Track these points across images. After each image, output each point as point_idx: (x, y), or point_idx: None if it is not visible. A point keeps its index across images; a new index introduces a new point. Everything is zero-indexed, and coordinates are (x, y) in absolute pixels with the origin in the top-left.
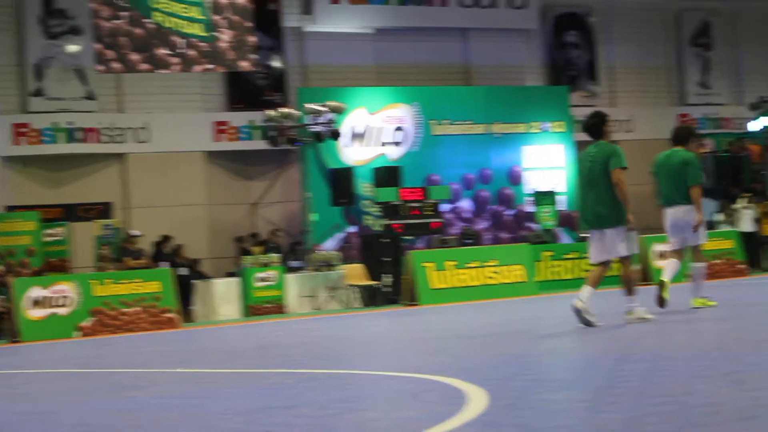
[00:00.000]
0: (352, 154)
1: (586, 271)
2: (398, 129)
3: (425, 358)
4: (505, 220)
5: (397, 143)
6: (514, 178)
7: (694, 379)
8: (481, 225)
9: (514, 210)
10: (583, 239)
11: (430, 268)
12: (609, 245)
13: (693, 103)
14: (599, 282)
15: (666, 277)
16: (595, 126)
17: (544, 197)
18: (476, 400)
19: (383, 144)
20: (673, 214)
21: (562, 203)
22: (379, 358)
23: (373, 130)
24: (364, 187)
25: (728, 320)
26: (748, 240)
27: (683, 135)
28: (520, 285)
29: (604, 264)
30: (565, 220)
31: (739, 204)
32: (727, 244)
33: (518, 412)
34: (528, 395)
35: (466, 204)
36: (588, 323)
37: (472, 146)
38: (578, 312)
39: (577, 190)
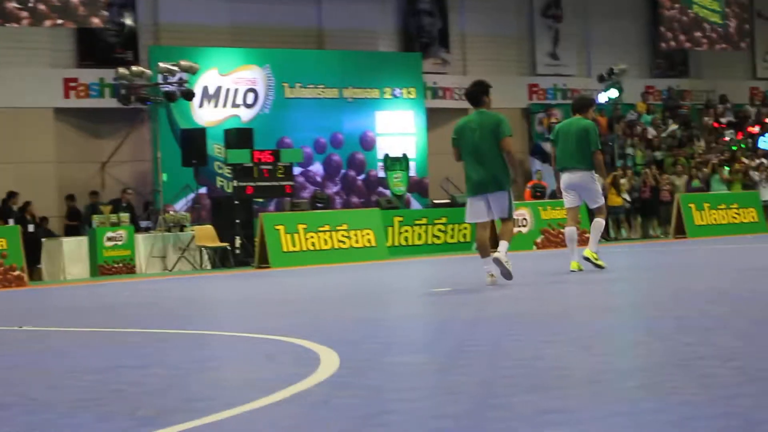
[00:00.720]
0: (204, 114)
1: (436, 237)
2: (250, 91)
3: (277, 320)
4: (357, 185)
5: (249, 105)
6: (366, 143)
7: (544, 343)
8: (333, 189)
9: (365, 175)
10: (436, 206)
11: (281, 231)
12: (495, 207)
13: (543, 73)
14: (488, 245)
15: (571, 246)
16: (477, 94)
17: (396, 163)
18: (327, 362)
19: (235, 105)
20: (570, 177)
21: (413, 169)
22: (231, 320)
23: (225, 91)
24: (215, 148)
25: (576, 287)
26: None
27: (583, 104)
28: (371, 250)
29: (488, 225)
30: (416, 186)
31: None
32: None
33: (369, 374)
34: (378, 358)
35: (317, 168)
36: (508, 274)
37: (324, 110)
38: (498, 261)
39: (427, 156)
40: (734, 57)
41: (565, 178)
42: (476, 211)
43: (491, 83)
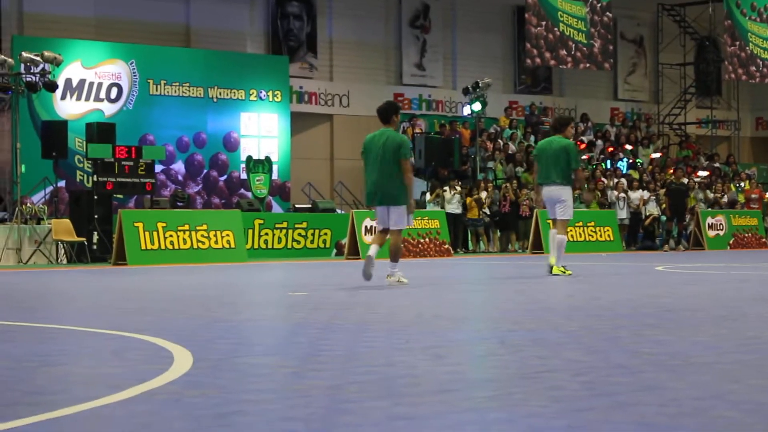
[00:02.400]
0: (66, 107)
1: (296, 241)
2: (114, 85)
3: (131, 316)
4: (218, 185)
5: (112, 100)
6: (230, 145)
7: (397, 351)
8: (194, 189)
9: (227, 176)
10: (297, 210)
11: (140, 228)
12: (391, 219)
13: (408, 83)
14: (383, 242)
15: (553, 259)
16: (387, 113)
17: (258, 165)
18: (180, 361)
19: (99, 99)
20: (548, 191)
21: (275, 172)
22: (84, 315)
23: (88, 84)
24: (76, 141)
25: (432, 297)
26: (455, 221)
27: (561, 123)
28: (230, 251)
29: (385, 231)
30: (278, 190)
31: (448, 186)
32: (434, 224)
33: (221, 374)
34: (231, 358)
35: (179, 166)
36: (368, 275)
37: (189, 109)
38: (369, 258)
39: (290, 160)
40: (597, 77)
41: (545, 191)
42: (380, 218)
43: (356, 90)
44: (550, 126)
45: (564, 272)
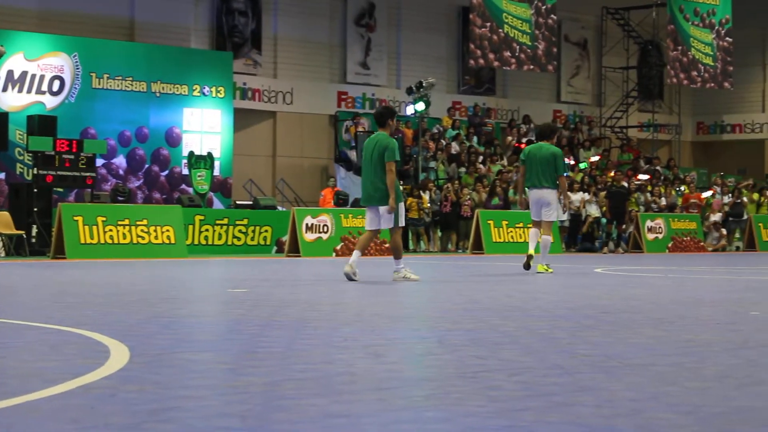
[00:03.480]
0: (7, 99)
1: (236, 237)
2: (57, 78)
3: (69, 311)
4: (160, 180)
5: (54, 92)
6: (172, 140)
7: (335, 348)
8: (135, 183)
9: (168, 171)
10: (238, 206)
11: (79, 222)
12: (380, 219)
13: (352, 82)
14: (367, 244)
15: (531, 247)
16: (383, 117)
17: (200, 161)
18: (117, 356)
19: (40, 92)
20: (537, 194)
21: (217, 168)
22: (20, 308)
23: (30, 76)
24: (17, 134)
25: (373, 295)
26: None
27: (550, 131)
28: (170, 247)
29: (374, 232)
30: (220, 186)
31: None
32: None
33: (159, 369)
34: (169, 354)
35: (120, 161)
36: (350, 278)
37: (131, 103)
38: (351, 273)
39: (232, 156)
40: (541, 79)
41: (533, 194)
42: (369, 219)
43: (299, 88)
44: (537, 133)
45: (547, 270)
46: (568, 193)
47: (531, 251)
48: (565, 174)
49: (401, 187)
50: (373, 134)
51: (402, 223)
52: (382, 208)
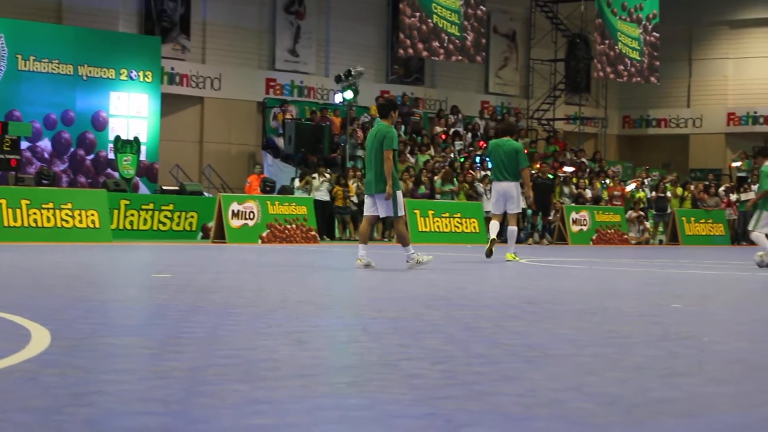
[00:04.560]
0: None
1: (162, 223)
2: None
3: None
4: (85, 164)
5: None
6: (98, 124)
7: (259, 335)
8: (60, 167)
9: (94, 155)
10: (164, 192)
11: (3, 205)
12: (380, 207)
13: (281, 69)
14: (368, 235)
15: (493, 235)
16: (385, 108)
17: (127, 145)
18: (38, 340)
19: None
20: (500, 186)
21: (143, 153)
22: None
23: None
24: None
25: (297, 282)
26: (322, 208)
27: (511, 129)
28: (95, 231)
29: (372, 218)
30: (146, 171)
31: (317, 173)
32: (302, 210)
33: (80, 353)
34: (92, 338)
35: (46, 144)
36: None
37: (57, 86)
38: (363, 265)
39: (159, 141)
40: (469, 70)
41: (497, 186)
42: (367, 206)
43: (228, 74)
44: (500, 129)
45: (515, 258)
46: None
47: (494, 236)
48: (527, 167)
49: (395, 177)
50: (374, 126)
51: (401, 212)
52: (379, 196)
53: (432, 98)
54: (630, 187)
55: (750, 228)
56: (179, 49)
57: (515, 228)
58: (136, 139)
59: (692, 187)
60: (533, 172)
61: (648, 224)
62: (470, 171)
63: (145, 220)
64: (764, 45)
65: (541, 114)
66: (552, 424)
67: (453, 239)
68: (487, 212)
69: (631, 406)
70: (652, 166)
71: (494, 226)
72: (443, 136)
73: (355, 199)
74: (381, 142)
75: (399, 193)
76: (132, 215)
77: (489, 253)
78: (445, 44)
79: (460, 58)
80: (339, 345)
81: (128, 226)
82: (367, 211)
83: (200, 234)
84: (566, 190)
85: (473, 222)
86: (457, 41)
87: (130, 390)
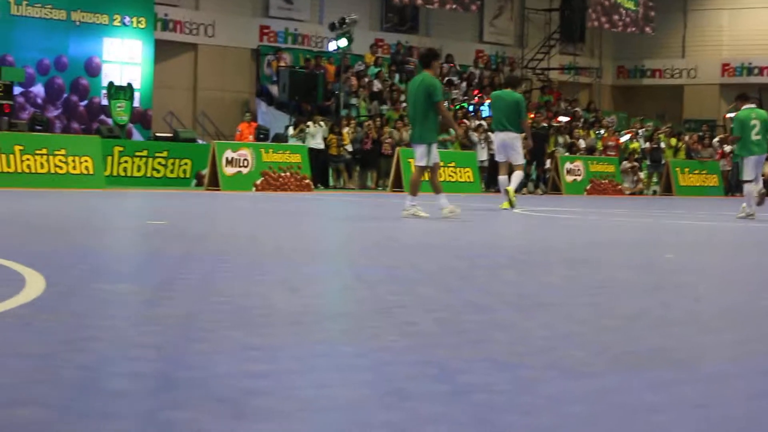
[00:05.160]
0: None
1: (156, 170)
2: None
3: None
4: (78, 110)
5: None
6: (92, 70)
7: (253, 282)
8: (53, 113)
9: (87, 101)
10: (158, 138)
11: None
12: (415, 155)
13: (275, 16)
14: (418, 184)
15: (510, 186)
16: (427, 58)
17: (120, 92)
18: (33, 285)
19: None
20: (503, 137)
21: (137, 100)
22: None
23: None
24: None
25: (294, 230)
26: (316, 157)
27: (515, 81)
28: (88, 177)
29: (421, 168)
30: (140, 117)
31: (312, 121)
32: (296, 158)
33: (74, 299)
34: (86, 284)
35: (39, 89)
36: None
37: (50, 31)
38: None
39: (153, 88)
40: (463, 18)
41: (499, 136)
42: (417, 156)
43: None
44: (505, 81)
45: (512, 199)
46: (489, 133)
47: (507, 187)
48: (527, 119)
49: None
50: (417, 75)
51: (429, 162)
52: (416, 146)
53: (426, 46)
54: (624, 138)
55: (747, 177)
56: None
57: (520, 172)
58: (130, 86)
59: (686, 138)
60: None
61: (642, 175)
62: (464, 120)
63: (139, 167)
64: None
65: (536, 64)
66: (544, 372)
67: (447, 189)
68: (482, 161)
69: (623, 354)
70: (646, 117)
71: (503, 180)
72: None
73: (349, 147)
74: (426, 94)
75: (434, 146)
76: (126, 162)
77: (512, 205)
78: None
79: (454, 6)
80: (332, 293)
81: (122, 173)
82: (420, 161)
83: (194, 181)
84: (560, 140)
85: (467, 171)
86: None
87: (124, 336)
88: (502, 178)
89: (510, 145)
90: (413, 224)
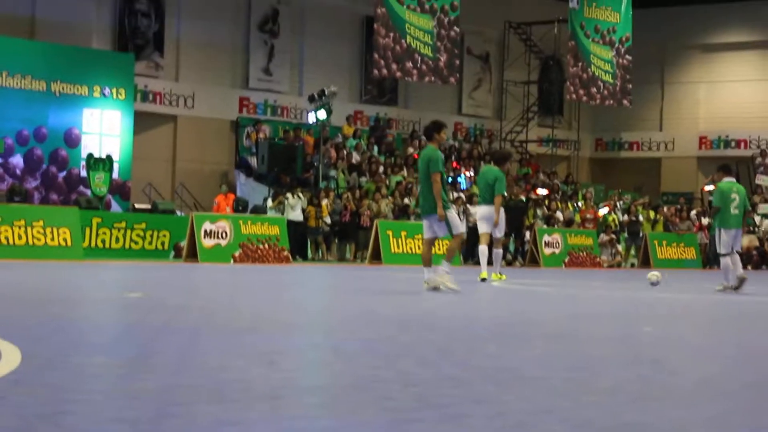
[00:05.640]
0: None
1: (134, 241)
2: None
3: None
4: (57, 181)
5: None
6: (71, 141)
7: (230, 355)
8: (32, 184)
9: (66, 172)
10: (136, 210)
11: None
12: (437, 229)
13: (255, 87)
14: (430, 257)
15: (494, 270)
16: (428, 131)
17: (99, 163)
18: (8, 358)
19: None
20: (483, 210)
21: (116, 171)
22: None
23: None
24: None
25: (269, 302)
26: (295, 229)
27: (501, 157)
28: (66, 249)
29: (430, 240)
30: (118, 189)
31: (291, 193)
32: (274, 230)
33: (51, 373)
34: (62, 357)
35: (18, 160)
36: (437, 288)
37: (30, 102)
38: (432, 288)
39: (132, 159)
40: (442, 91)
41: (481, 210)
42: (425, 229)
43: (201, 92)
44: (491, 157)
45: (500, 278)
46: (468, 205)
47: (494, 274)
48: (502, 194)
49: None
50: (425, 148)
51: (456, 230)
52: (433, 218)
53: (405, 119)
54: (602, 210)
55: (723, 251)
56: (153, 66)
57: (499, 250)
58: (109, 157)
59: (664, 211)
60: (505, 194)
61: (620, 247)
62: None
63: (117, 238)
64: (736, 69)
65: (514, 136)
66: None
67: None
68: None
69: (603, 429)
70: (623, 189)
71: (483, 251)
72: (416, 156)
73: (328, 219)
74: (428, 165)
75: (451, 212)
76: (104, 233)
77: (485, 279)
78: (419, 65)
79: (433, 79)
80: (310, 366)
81: (100, 245)
82: (426, 234)
83: (172, 253)
84: (539, 212)
85: (445, 243)
86: (431, 62)
87: (99, 410)
88: (482, 247)
89: (488, 217)
90: (391, 297)
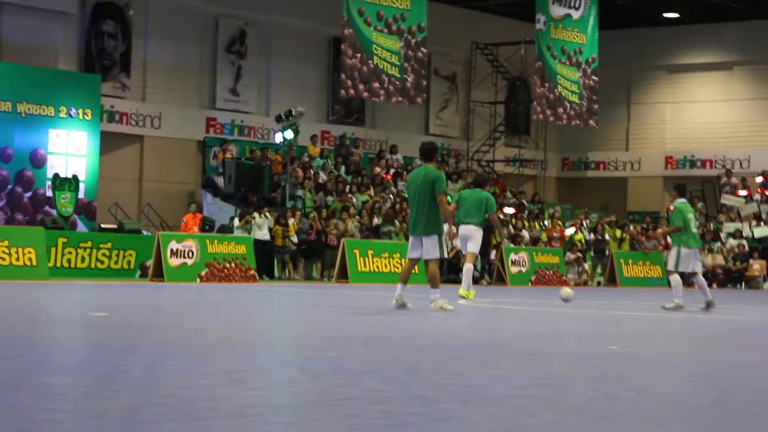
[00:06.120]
0: None
1: (100, 261)
2: None
3: None
4: (23, 202)
5: None
6: (37, 161)
7: (197, 374)
8: None
9: (32, 193)
10: (102, 230)
11: None
12: (424, 249)
13: (222, 108)
14: (408, 276)
15: (464, 288)
16: (429, 152)
17: (65, 183)
18: None
19: None
20: (465, 229)
21: (82, 191)
22: None
23: None
24: None
25: (237, 321)
26: (262, 248)
27: (484, 181)
28: (31, 269)
29: (414, 260)
30: (84, 209)
31: (258, 212)
32: (241, 249)
33: (16, 393)
34: (27, 377)
35: None
36: (404, 306)
37: None
38: (399, 305)
39: (98, 179)
40: (409, 111)
41: (463, 229)
42: (411, 247)
43: (168, 112)
44: (473, 181)
45: (469, 295)
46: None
47: (464, 291)
48: (494, 213)
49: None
50: (418, 167)
51: (444, 254)
52: (431, 239)
53: (373, 138)
54: (569, 230)
55: (670, 268)
56: (119, 87)
57: (470, 265)
58: (75, 177)
59: (630, 229)
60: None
61: (586, 266)
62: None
63: (83, 258)
64: (701, 90)
65: (481, 155)
66: None
67: (392, 279)
68: None
69: None
70: (590, 209)
71: (469, 270)
72: (387, 176)
73: (294, 239)
74: (430, 186)
75: (444, 237)
76: (70, 253)
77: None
78: (386, 85)
79: (400, 99)
80: (277, 384)
81: (66, 264)
82: (410, 253)
83: (138, 272)
84: (505, 231)
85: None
86: (398, 83)
87: (66, 429)
88: (468, 266)
89: (469, 236)
90: (358, 315)
